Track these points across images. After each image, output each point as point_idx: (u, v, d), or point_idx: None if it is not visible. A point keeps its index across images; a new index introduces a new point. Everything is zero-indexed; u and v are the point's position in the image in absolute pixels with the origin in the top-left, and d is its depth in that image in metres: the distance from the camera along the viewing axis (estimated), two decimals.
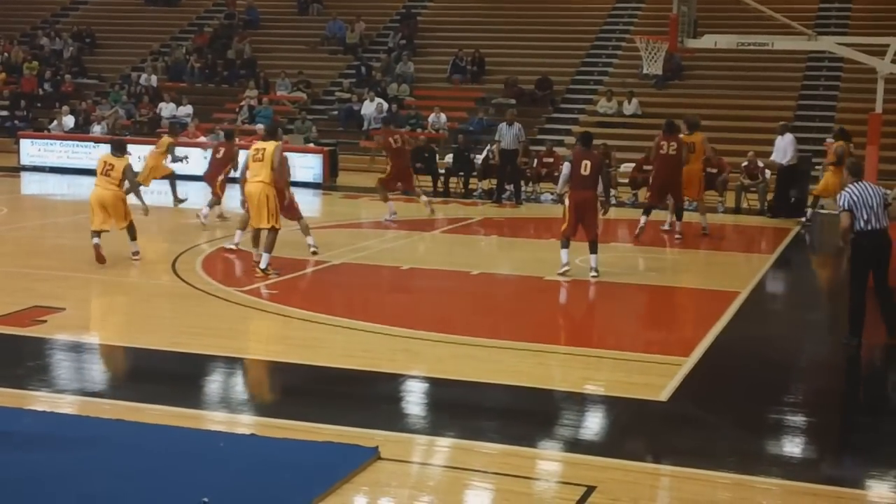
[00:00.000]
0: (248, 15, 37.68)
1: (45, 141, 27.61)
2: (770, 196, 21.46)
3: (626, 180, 23.03)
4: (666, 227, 18.52)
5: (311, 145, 26.75)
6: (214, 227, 17.88)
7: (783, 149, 20.63)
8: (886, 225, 10.80)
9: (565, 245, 13.80)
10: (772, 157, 20.94)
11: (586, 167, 13.51)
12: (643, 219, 17.63)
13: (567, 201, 13.73)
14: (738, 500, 6.72)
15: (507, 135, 22.33)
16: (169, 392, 8.65)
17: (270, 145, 13.08)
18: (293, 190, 14.99)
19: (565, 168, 13.76)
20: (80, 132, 29.16)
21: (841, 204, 10.88)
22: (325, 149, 26.05)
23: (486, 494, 6.72)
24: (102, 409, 8.06)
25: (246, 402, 8.54)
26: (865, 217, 10.67)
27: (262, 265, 12.97)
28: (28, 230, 16.22)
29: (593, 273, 13.75)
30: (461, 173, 24.11)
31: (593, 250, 13.79)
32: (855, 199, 10.72)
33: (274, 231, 13.02)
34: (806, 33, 16.59)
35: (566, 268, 13.77)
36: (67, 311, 11.19)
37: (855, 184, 10.94)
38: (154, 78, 34.21)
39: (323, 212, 22.42)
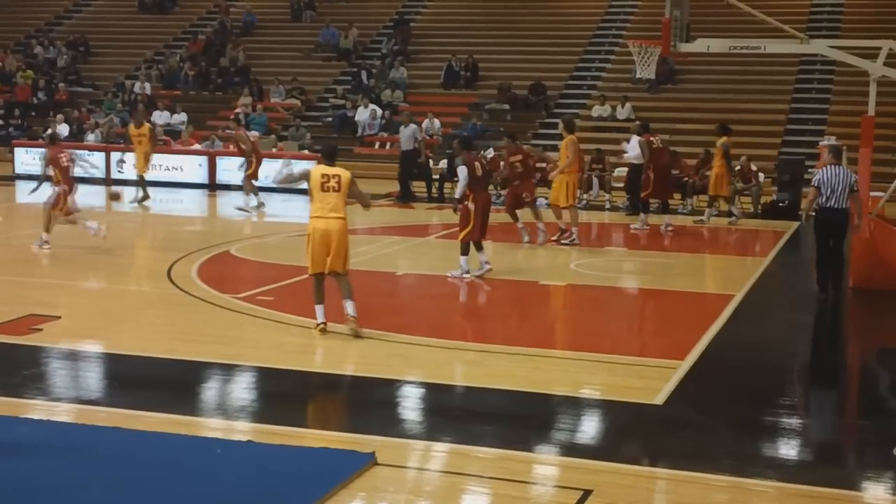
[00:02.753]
0: (246, 19, 37.73)
1: (40, 149, 27.53)
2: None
3: (622, 184, 23.03)
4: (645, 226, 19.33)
5: (306, 152, 26.75)
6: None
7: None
8: (844, 206, 12.93)
9: (477, 248, 13.97)
10: (627, 156, 22.25)
11: (479, 169, 13.85)
12: (667, 218, 19.36)
13: (473, 205, 13.76)
14: (735, 502, 6.73)
15: (402, 135, 23.39)
16: (165, 399, 8.64)
17: (344, 173, 10.54)
18: None
19: (463, 173, 13.71)
20: (75, 140, 29.14)
21: (813, 182, 13.15)
22: (320, 155, 26.05)
23: (483, 499, 6.73)
24: (98, 416, 8.06)
25: (242, 408, 8.54)
26: (827, 195, 12.87)
27: (354, 311, 10.58)
28: (23, 238, 16.20)
29: (489, 265, 14.02)
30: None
31: (480, 248, 14.11)
32: (825, 179, 12.90)
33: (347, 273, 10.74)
34: (798, 37, 16.58)
35: (489, 266, 13.98)
36: (63, 319, 11.18)
37: (831, 166, 13.06)
38: (148, 86, 34.22)
39: None
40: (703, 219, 20.71)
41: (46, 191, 15.51)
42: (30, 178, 26.67)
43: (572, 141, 17.13)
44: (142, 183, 21.99)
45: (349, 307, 10.48)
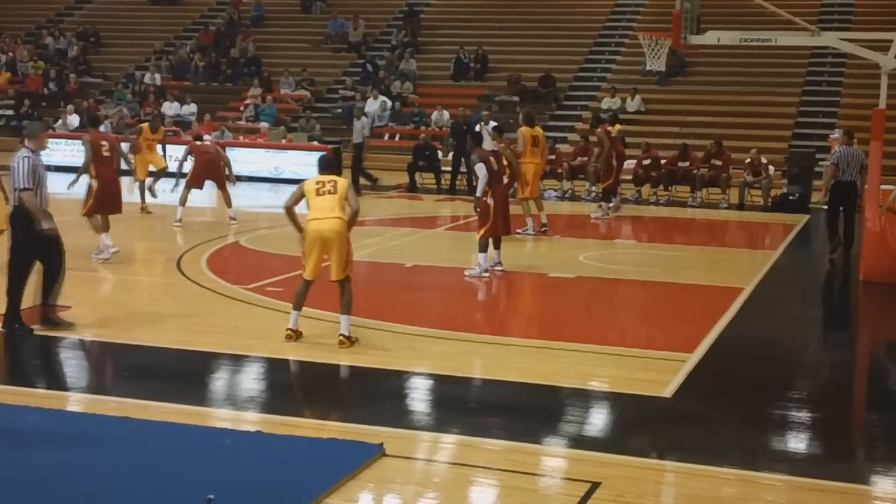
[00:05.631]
0: (255, 11, 37.77)
1: (50, 140, 27.55)
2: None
3: (630, 176, 22.96)
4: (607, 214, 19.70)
5: (315, 143, 26.77)
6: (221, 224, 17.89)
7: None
8: (855, 179, 16.14)
9: (495, 245, 13.80)
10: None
11: (495, 163, 13.64)
12: (616, 200, 19.84)
13: (491, 200, 13.50)
14: (743, 496, 6.72)
15: (355, 129, 23.78)
16: (174, 389, 8.68)
17: (341, 179, 10.23)
18: None
19: (482, 170, 13.38)
20: (84, 131, 29.17)
21: (833, 160, 16.21)
22: (329, 147, 26.09)
23: (491, 491, 6.73)
24: (108, 406, 8.09)
25: (251, 399, 8.56)
26: (843, 169, 15.87)
27: (346, 330, 10.04)
28: None
29: (500, 267, 13.87)
30: (464, 170, 24.12)
31: (498, 245, 13.93)
32: (842, 156, 15.90)
33: (349, 282, 10.18)
34: (809, 29, 16.51)
35: (500, 268, 13.83)
36: (73, 308, 11.20)
37: (845, 146, 16.11)
38: (158, 77, 34.26)
39: None
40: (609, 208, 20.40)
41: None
42: None
43: (531, 133, 17.07)
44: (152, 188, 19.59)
45: (343, 324, 10.01)
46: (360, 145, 23.65)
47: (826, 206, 16.55)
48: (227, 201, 17.96)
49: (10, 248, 10.32)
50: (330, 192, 10.01)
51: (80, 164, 15.14)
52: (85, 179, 14.48)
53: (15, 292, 10.27)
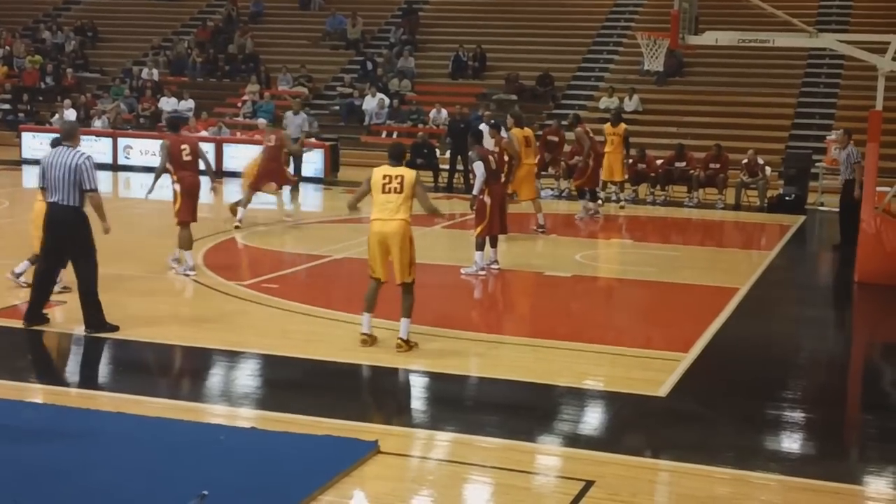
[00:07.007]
0: (254, 7, 37.75)
1: (47, 134, 27.58)
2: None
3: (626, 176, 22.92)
4: (589, 214, 19.51)
5: (313, 140, 26.75)
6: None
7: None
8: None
9: (492, 243, 13.81)
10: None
11: (492, 162, 13.65)
12: (593, 204, 19.54)
13: (488, 199, 13.54)
14: (737, 495, 6.74)
15: (292, 124, 23.51)
16: (169, 385, 8.68)
17: (409, 173, 9.81)
18: None
19: (480, 168, 13.38)
20: (82, 126, 29.16)
21: (856, 158, 16.46)
22: (327, 144, 26.09)
23: (486, 488, 6.75)
24: (103, 401, 8.10)
25: (246, 395, 8.57)
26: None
27: (405, 334, 9.86)
28: (29, 223, 16.22)
29: (497, 266, 13.89)
30: (461, 168, 24.13)
31: (495, 244, 13.96)
32: (861, 156, 16.01)
33: (413, 285, 9.99)
34: (807, 30, 16.52)
35: (497, 266, 13.85)
36: (68, 304, 11.21)
37: (852, 146, 16.97)
38: (156, 72, 34.21)
39: (324, 206, 22.47)
40: (595, 207, 20.21)
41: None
42: (36, 162, 26.74)
43: (522, 135, 17.09)
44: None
45: (403, 328, 9.84)
46: (297, 141, 23.56)
47: (843, 207, 17.01)
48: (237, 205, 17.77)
49: (86, 251, 10.25)
50: (396, 191, 9.66)
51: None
52: (166, 183, 13.69)
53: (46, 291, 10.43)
